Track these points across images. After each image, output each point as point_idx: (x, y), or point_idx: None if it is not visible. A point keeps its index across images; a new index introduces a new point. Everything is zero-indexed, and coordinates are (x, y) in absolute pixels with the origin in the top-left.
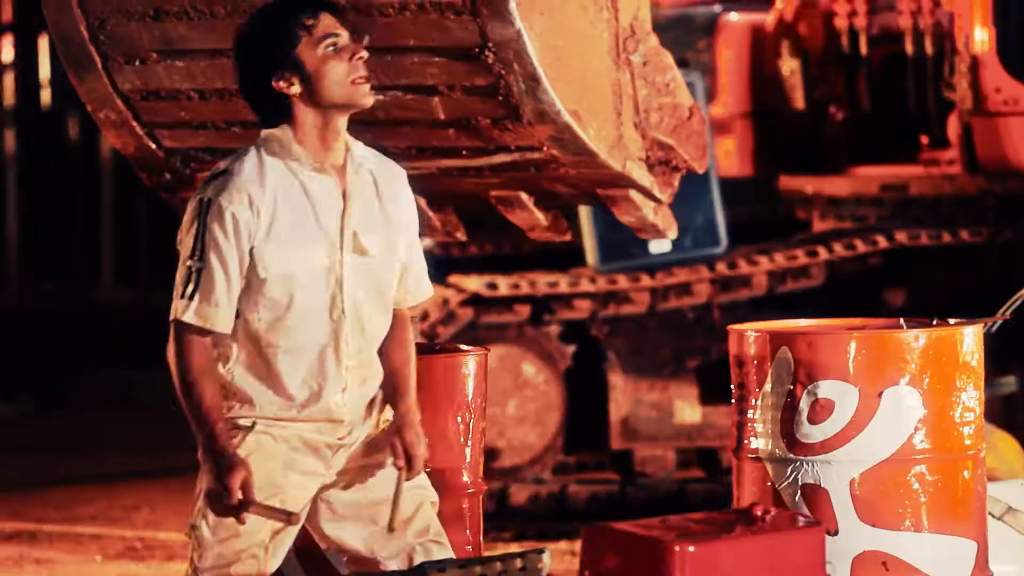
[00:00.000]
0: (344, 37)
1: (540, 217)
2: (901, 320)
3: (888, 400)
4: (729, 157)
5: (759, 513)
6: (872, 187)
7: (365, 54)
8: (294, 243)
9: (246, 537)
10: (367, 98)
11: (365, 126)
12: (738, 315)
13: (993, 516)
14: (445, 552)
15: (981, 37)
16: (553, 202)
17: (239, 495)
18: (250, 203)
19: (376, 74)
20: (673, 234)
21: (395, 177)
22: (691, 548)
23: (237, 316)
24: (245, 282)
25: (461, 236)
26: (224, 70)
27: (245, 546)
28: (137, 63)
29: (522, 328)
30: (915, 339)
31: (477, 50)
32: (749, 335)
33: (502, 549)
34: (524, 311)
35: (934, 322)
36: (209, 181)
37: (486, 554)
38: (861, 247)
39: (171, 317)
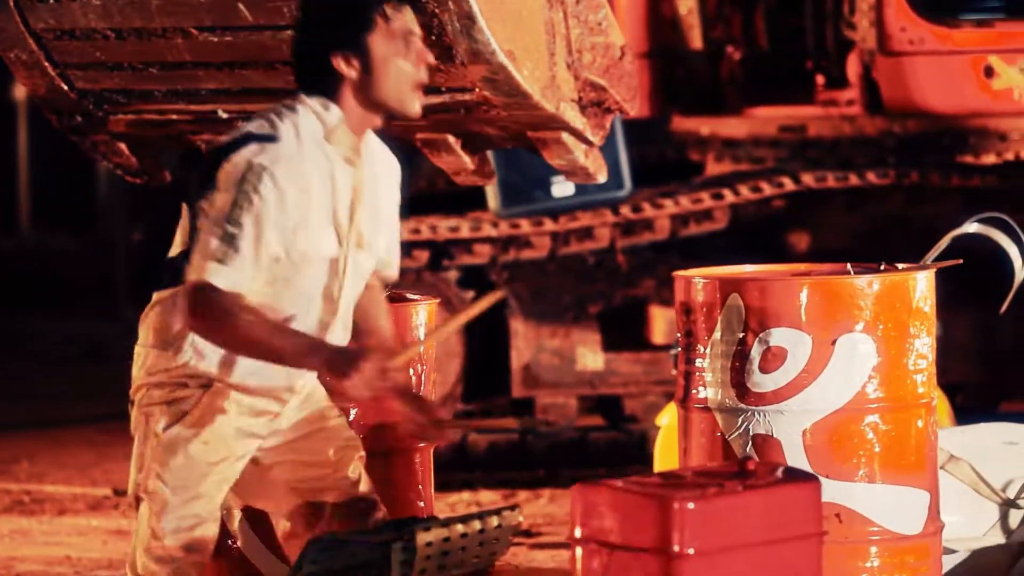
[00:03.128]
0: (418, 38)
1: (467, 161)
2: (848, 265)
3: (842, 348)
4: None
5: (752, 468)
6: (769, 128)
7: (432, 60)
8: (314, 228)
9: (206, 500)
10: (416, 108)
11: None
12: (640, 259)
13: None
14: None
15: None
16: (480, 145)
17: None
18: (297, 178)
19: None
20: (603, 177)
21: (394, 171)
22: (690, 505)
23: None
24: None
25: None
26: (143, 8)
27: (207, 509)
28: (51, 1)
29: (420, 274)
30: (869, 285)
31: None
32: (697, 281)
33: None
34: (423, 256)
35: (882, 267)
36: (245, 143)
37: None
38: (767, 189)
39: (195, 277)
